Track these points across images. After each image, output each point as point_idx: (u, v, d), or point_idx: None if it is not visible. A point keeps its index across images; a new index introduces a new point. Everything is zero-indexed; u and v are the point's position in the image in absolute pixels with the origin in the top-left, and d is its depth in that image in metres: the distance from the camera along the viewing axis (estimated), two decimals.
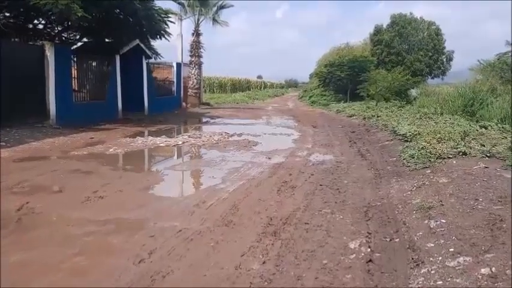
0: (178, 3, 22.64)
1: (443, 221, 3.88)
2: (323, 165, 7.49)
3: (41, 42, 12.44)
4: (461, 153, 6.28)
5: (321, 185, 5.92)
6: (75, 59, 15.46)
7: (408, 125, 10.24)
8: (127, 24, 13.67)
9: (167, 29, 16.07)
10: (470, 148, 6.60)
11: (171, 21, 16.12)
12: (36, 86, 12.43)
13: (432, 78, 42.14)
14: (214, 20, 23.52)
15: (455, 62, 41.84)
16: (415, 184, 5.27)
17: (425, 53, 39.03)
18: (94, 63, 16.27)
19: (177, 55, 23.68)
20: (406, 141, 8.43)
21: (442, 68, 41.41)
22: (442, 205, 4.30)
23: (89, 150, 8.81)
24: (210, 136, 11.68)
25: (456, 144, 6.82)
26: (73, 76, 14.86)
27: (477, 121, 13.16)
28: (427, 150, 6.52)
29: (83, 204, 4.99)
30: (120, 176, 6.45)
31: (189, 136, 11.65)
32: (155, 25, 13.94)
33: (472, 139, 7.58)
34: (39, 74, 12.50)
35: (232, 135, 12.01)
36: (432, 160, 6.10)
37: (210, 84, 46.48)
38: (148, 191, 5.74)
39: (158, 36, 16.07)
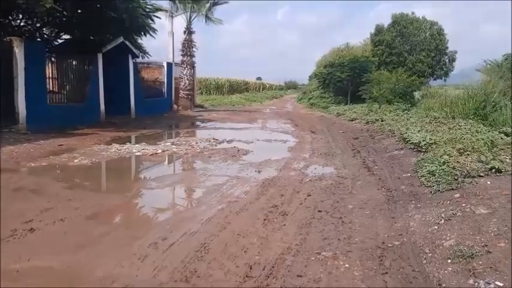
0: None
1: (500, 283, 2.64)
2: (322, 181, 6.25)
3: (8, 38, 11.15)
4: (494, 170, 5.03)
5: (319, 211, 4.68)
6: (53, 57, 14.36)
7: (419, 131, 8.99)
8: (106, 19, 12.42)
9: (152, 25, 14.79)
10: (502, 162, 5.35)
11: (157, 16, 14.93)
12: (6, 86, 11.20)
13: (434, 79, 40.98)
14: (208, 18, 22.27)
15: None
16: (443, 214, 4.01)
17: (427, 53, 37.88)
18: (74, 62, 15.07)
19: (168, 55, 22.47)
20: (420, 151, 7.19)
21: (445, 69, 40.28)
22: (489, 252, 3.06)
23: (49, 161, 7.56)
24: (196, 143, 10.46)
25: (484, 157, 5.57)
26: (49, 76, 13.72)
27: (490, 125, 11.98)
28: (450, 166, 5.27)
29: (3, 243, 3.74)
30: (70, 198, 5.19)
31: (172, 143, 10.41)
32: (138, 20, 12.67)
33: (500, 149, 6.33)
34: (9, 73, 11.28)
35: (221, 142, 10.80)
36: (459, 179, 4.85)
37: (207, 85, 45.32)
38: (99, 220, 4.48)
39: (143, 33, 14.81)
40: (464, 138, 7.23)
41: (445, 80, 42.28)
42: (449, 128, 9.28)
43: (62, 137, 10.68)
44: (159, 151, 9.05)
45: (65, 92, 14.78)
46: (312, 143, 10.74)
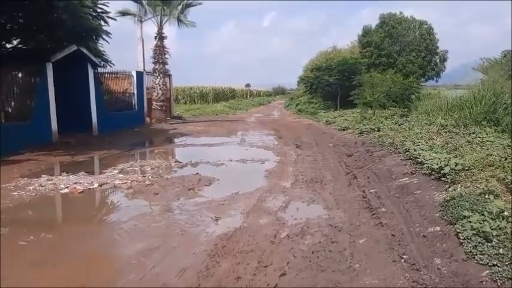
0: (136, 2, 19.23)
1: None
2: (306, 237, 4.16)
3: None
4: None
5: None
6: None
7: (431, 147, 6.99)
8: (47, 22, 10.26)
9: (105, 27, 12.62)
10: None
11: (111, 17, 12.72)
12: None
13: (426, 80, 39.48)
14: (180, 21, 20.10)
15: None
16: None
17: (417, 53, 36.48)
18: (20, 75, 12.91)
19: (139, 64, 20.33)
20: (441, 179, 5.15)
21: (436, 69, 38.87)
22: None
23: None
24: (152, 169, 8.38)
25: None
26: None
27: (503, 131, 10.13)
28: (508, 219, 3.22)
29: None
30: None
31: (121, 170, 8.29)
32: (81, 21, 10.48)
33: None
34: None
35: (183, 166, 8.75)
36: None
37: (191, 94, 43.50)
38: None
39: (94, 37, 12.63)
40: (500, 160, 5.22)
41: (436, 81, 40.88)
42: (468, 142, 7.29)
43: None
44: (95, 185, 6.89)
45: (9, 109, 12.63)
46: (295, 164, 8.67)
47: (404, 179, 5.98)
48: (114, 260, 3.82)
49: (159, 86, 20.26)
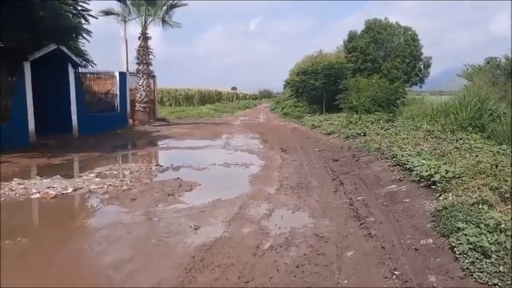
0: (120, 1, 18.78)
1: None
2: (290, 248, 3.90)
3: None
4: None
5: None
6: None
7: (419, 153, 6.81)
8: (23, 19, 9.83)
9: (86, 26, 12.20)
10: None
11: (92, 16, 12.28)
12: None
13: (410, 86, 39.85)
14: (164, 21, 19.73)
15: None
16: None
17: (402, 59, 36.83)
18: None
19: (123, 66, 19.84)
20: (430, 187, 4.96)
21: (420, 75, 39.31)
22: None
23: None
24: (131, 173, 8.03)
25: None
26: None
27: (489, 137, 10.10)
28: (507, 233, 3.01)
29: None
30: None
31: (98, 174, 7.93)
32: (60, 18, 10.04)
33: None
34: None
35: (164, 170, 8.43)
36: None
37: (176, 96, 42.97)
38: None
39: (74, 36, 12.20)
40: (491, 167, 5.06)
41: (420, 87, 41.29)
42: (456, 148, 7.15)
43: None
44: (69, 190, 6.52)
45: None
46: (281, 168, 8.42)
47: (392, 186, 5.78)
48: (82, 274, 3.50)
49: (143, 87, 19.81)
